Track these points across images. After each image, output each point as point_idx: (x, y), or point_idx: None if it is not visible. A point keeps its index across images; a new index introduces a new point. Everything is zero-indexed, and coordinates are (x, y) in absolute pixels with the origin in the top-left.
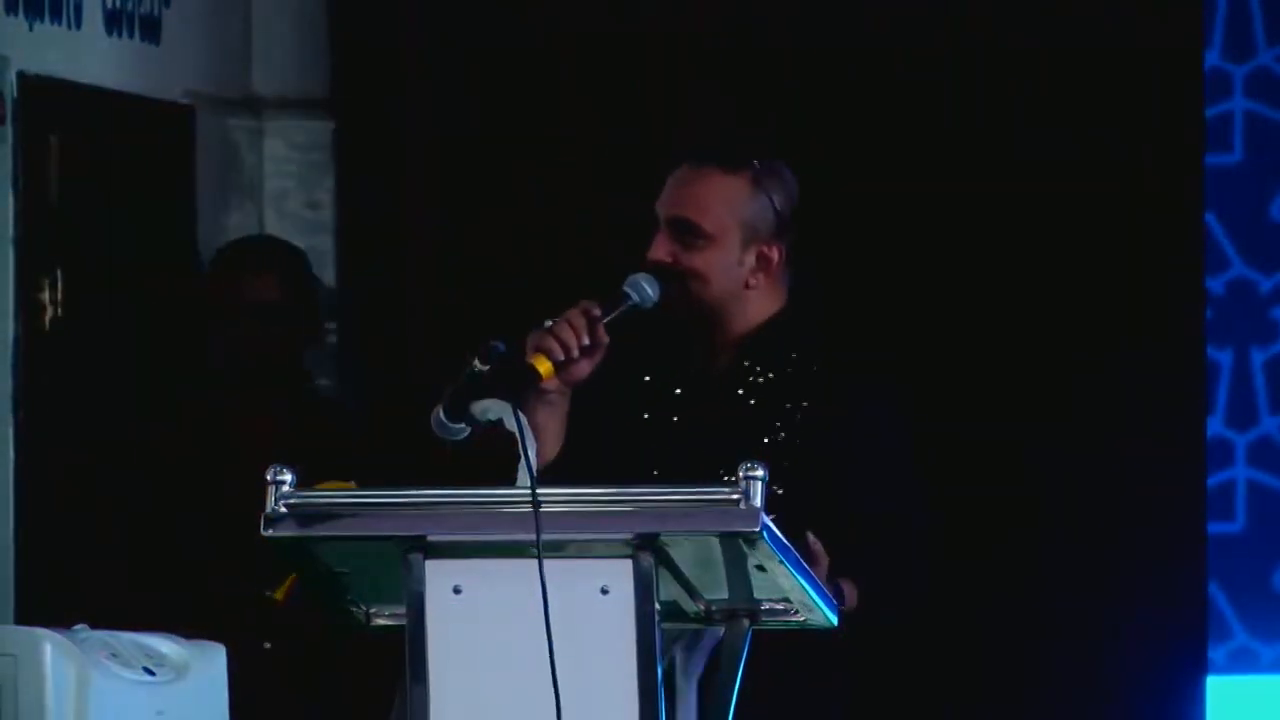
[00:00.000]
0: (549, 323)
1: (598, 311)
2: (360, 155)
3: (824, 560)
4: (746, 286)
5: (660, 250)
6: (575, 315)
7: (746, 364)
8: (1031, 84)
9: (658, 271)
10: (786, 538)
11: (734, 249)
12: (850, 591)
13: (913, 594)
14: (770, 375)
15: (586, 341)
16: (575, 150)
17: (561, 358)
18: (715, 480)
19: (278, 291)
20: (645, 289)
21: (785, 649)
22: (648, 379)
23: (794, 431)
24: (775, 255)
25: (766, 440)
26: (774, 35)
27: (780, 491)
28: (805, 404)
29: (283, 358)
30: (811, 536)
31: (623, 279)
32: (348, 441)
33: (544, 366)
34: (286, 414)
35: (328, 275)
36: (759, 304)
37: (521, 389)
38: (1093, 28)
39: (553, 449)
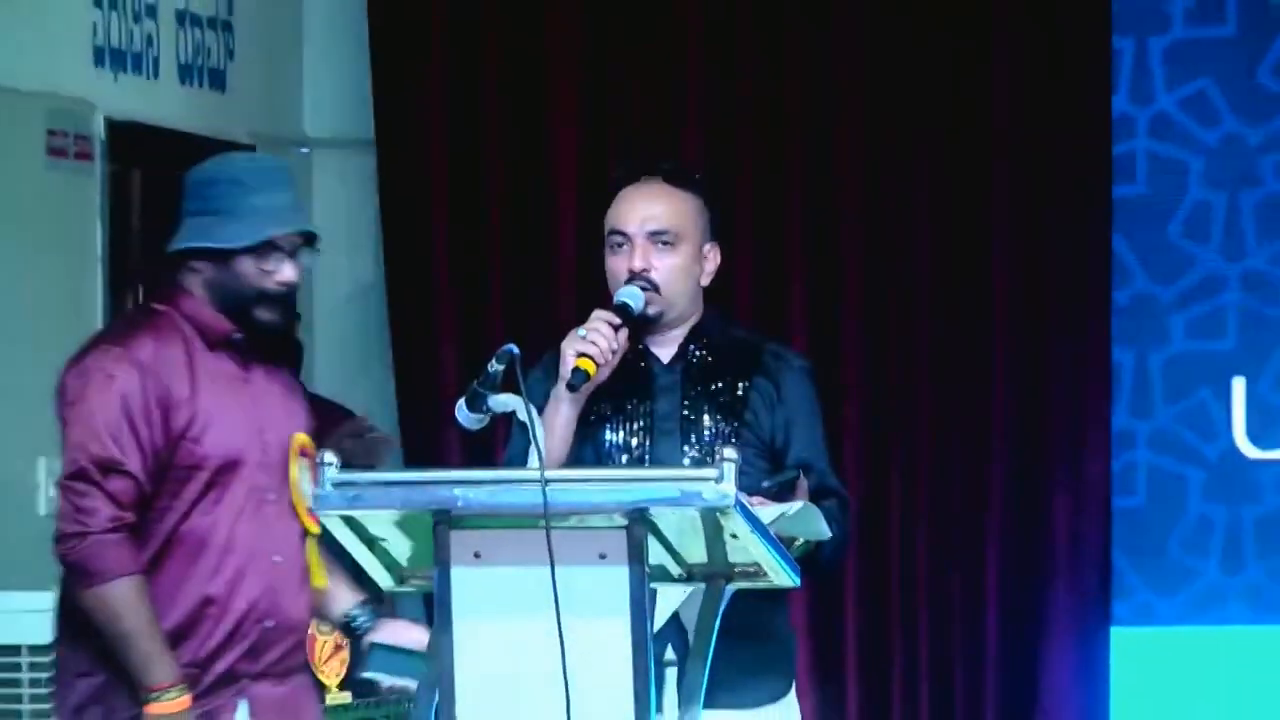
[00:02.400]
0: (582, 331)
1: (618, 320)
2: (397, 187)
3: (805, 495)
4: (700, 284)
5: (638, 260)
6: (602, 324)
7: (689, 350)
8: (967, 122)
9: (637, 280)
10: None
11: (697, 250)
12: (802, 488)
13: (837, 541)
14: (709, 360)
15: (616, 347)
16: (578, 165)
17: (603, 362)
18: (694, 464)
19: None
20: (638, 296)
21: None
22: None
23: (735, 404)
24: (715, 256)
25: (713, 416)
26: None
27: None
28: (743, 383)
29: None
30: (802, 479)
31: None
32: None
33: (590, 368)
34: None
35: (377, 296)
36: (696, 302)
37: (572, 387)
38: (1015, 79)
39: (562, 452)
